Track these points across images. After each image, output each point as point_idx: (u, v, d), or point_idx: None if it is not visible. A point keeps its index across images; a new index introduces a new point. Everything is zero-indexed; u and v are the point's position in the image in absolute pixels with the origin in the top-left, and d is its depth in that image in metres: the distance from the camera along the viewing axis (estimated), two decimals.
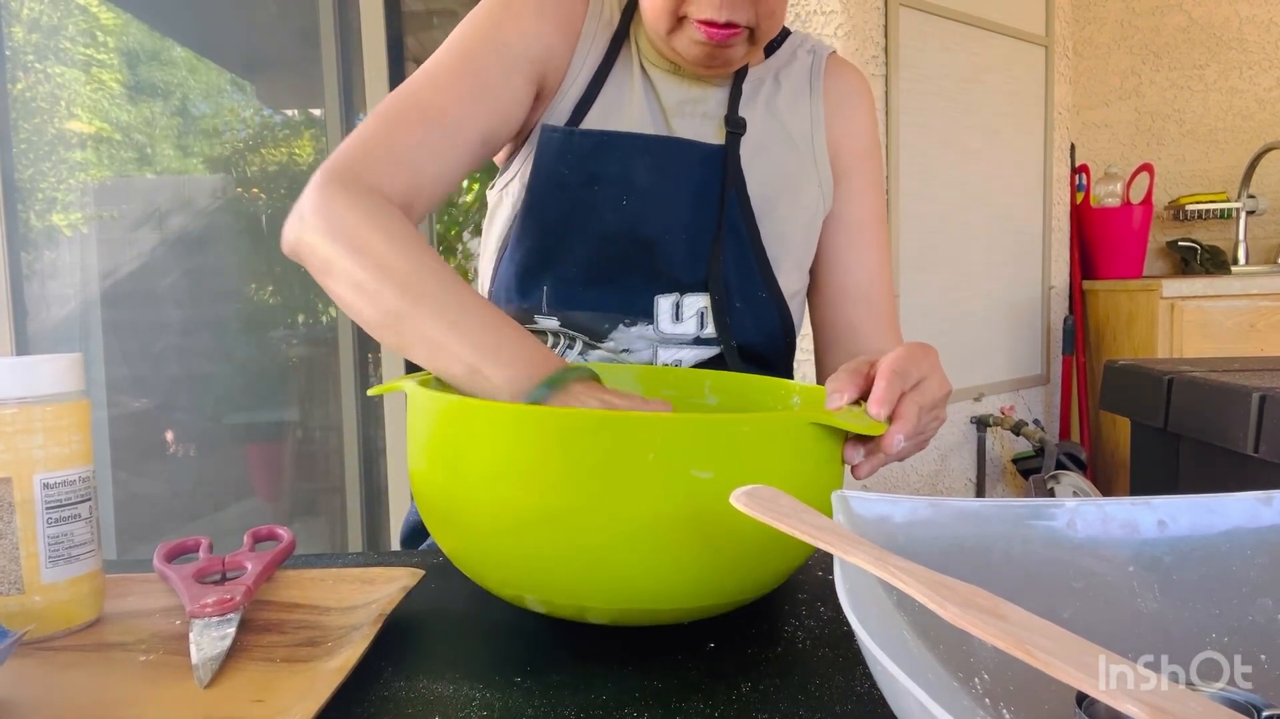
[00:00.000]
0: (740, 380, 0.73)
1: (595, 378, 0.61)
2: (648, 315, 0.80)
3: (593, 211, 0.79)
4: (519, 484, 0.46)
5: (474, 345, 0.60)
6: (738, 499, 0.40)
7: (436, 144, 0.73)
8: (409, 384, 0.55)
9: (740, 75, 0.85)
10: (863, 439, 0.53)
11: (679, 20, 0.75)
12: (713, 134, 0.83)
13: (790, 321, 0.86)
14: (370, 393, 0.59)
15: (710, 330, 0.81)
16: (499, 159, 0.89)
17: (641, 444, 0.45)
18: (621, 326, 0.80)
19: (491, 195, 0.90)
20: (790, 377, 0.91)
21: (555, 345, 0.82)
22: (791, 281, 0.86)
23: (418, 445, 0.52)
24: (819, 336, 0.92)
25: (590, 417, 0.47)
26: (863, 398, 0.55)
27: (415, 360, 0.64)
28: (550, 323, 0.81)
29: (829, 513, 0.53)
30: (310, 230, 0.66)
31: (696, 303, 0.81)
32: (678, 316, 0.81)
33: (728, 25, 0.73)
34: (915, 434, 0.54)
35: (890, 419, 0.53)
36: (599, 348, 0.81)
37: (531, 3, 0.79)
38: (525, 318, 0.81)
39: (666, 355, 0.81)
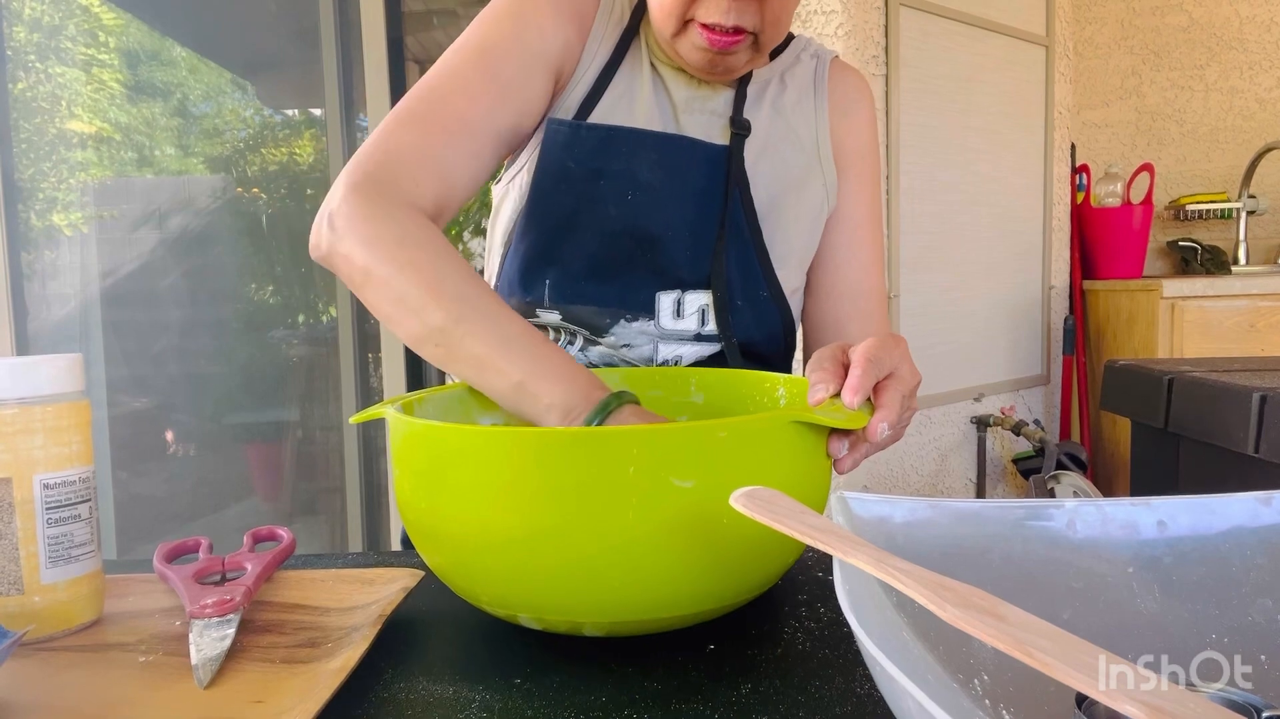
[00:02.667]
0: (725, 376, 0.73)
1: (637, 403, 0.62)
2: (649, 311, 0.81)
3: (597, 206, 0.79)
4: (501, 505, 0.46)
5: (522, 363, 0.61)
6: (737, 500, 0.40)
7: (465, 150, 0.73)
8: (389, 410, 0.55)
9: (746, 78, 0.85)
10: (845, 431, 0.53)
11: (684, 24, 0.75)
12: (720, 132, 0.84)
13: (791, 320, 0.86)
14: (352, 420, 0.59)
15: (711, 327, 0.82)
16: None
17: (620, 458, 0.44)
18: (623, 321, 0.81)
19: (497, 189, 0.90)
20: (789, 373, 0.91)
21: (556, 340, 0.82)
22: (793, 278, 0.87)
23: (401, 470, 0.52)
24: (808, 331, 0.93)
25: (566, 434, 0.47)
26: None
27: (459, 376, 0.65)
28: (551, 317, 0.81)
29: (821, 508, 0.53)
30: (345, 239, 0.66)
31: (698, 300, 0.81)
32: (679, 313, 0.81)
33: (734, 31, 0.73)
34: (898, 423, 0.54)
35: (871, 408, 0.54)
36: (599, 343, 0.81)
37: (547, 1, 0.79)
38: (527, 311, 0.82)
39: (667, 351, 0.81)
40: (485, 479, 0.47)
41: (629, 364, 0.82)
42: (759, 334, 0.84)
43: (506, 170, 0.88)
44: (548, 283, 0.80)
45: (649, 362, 0.82)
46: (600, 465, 0.45)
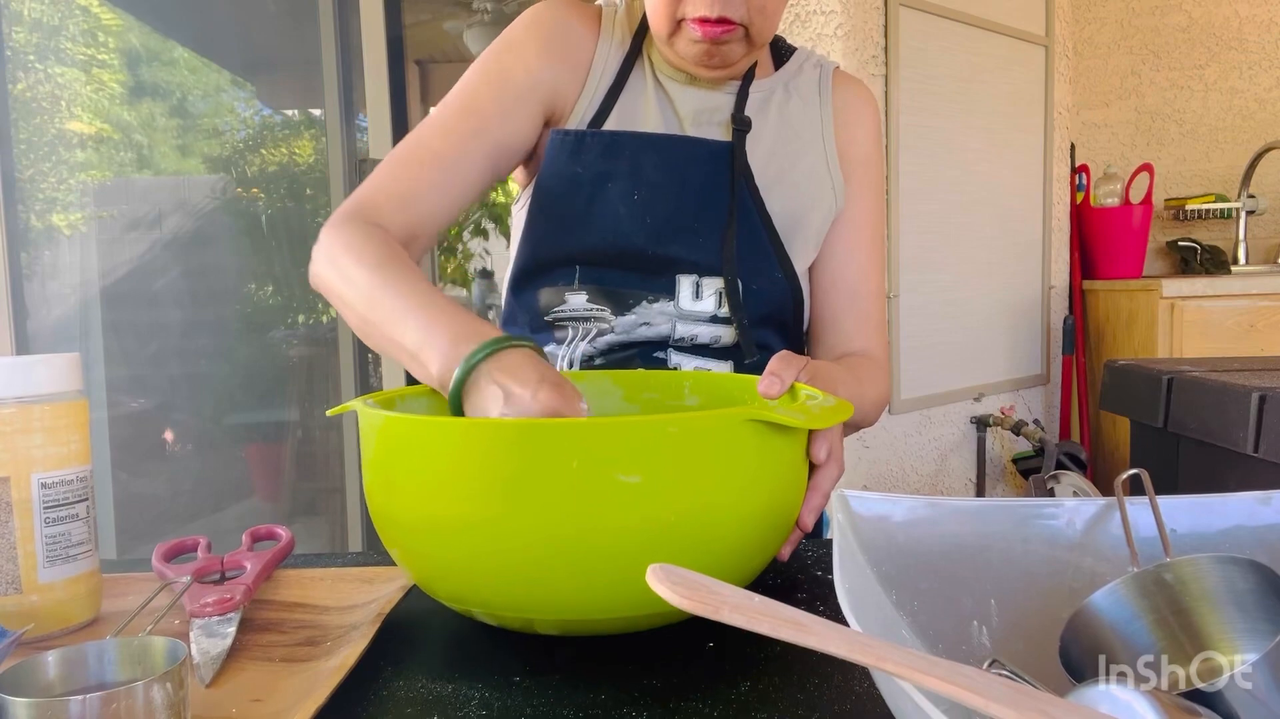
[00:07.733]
0: (720, 379, 0.73)
1: (538, 351, 0.61)
2: (669, 292, 0.84)
3: (608, 207, 0.82)
4: (448, 496, 0.46)
5: (418, 326, 0.63)
6: (654, 576, 0.35)
7: (437, 182, 0.80)
8: (359, 404, 0.55)
9: (747, 80, 0.88)
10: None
11: (678, 24, 0.79)
12: (725, 136, 0.87)
13: (801, 293, 0.89)
14: (329, 413, 0.61)
15: (727, 309, 0.85)
16: (519, 181, 0.93)
17: (564, 451, 0.44)
18: (644, 303, 0.84)
19: (514, 212, 0.94)
20: (803, 341, 0.93)
21: (572, 334, 0.85)
22: (805, 257, 0.90)
23: (365, 463, 0.53)
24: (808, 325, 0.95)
25: (510, 425, 0.47)
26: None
27: (391, 358, 0.71)
28: (579, 298, 0.85)
29: (789, 518, 0.53)
30: (318, 264, 0.75)
31: (715, 283, 0.85)
32: (698, 294, 0.85)
33: (721, 21, 0.76)
34: (819, 509, 0.58)
35: (839, 408, 0.55)
36: (616, 322, 0.84)
37: (536, 40, 0.84)
38: (557, 297, 0.85)
39: (684, 329, 0.85)
40: (435, 469, 0.47)
41: (645, 340, 0.85)
42: (770, 307, 0.87)
43: (520, 196, 0.92)
44: (578, 269, 0.85)
45: (665, 339, 0.84)
46: (543, 458, 0.45)
